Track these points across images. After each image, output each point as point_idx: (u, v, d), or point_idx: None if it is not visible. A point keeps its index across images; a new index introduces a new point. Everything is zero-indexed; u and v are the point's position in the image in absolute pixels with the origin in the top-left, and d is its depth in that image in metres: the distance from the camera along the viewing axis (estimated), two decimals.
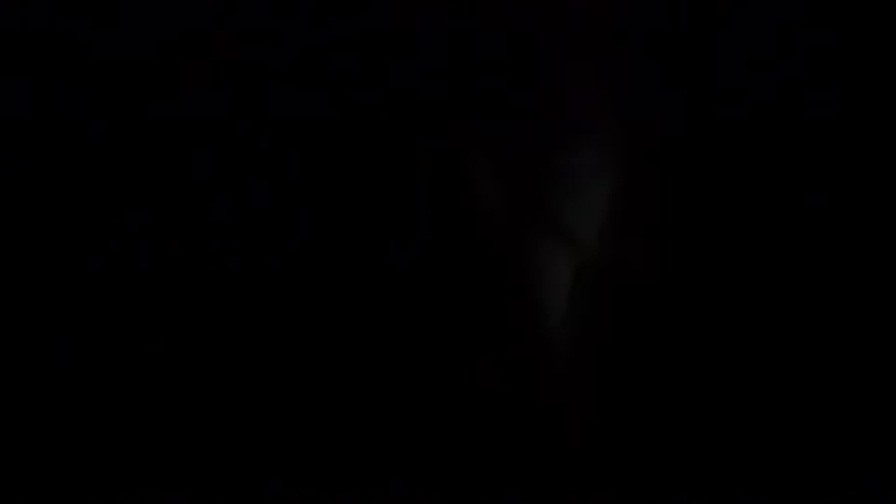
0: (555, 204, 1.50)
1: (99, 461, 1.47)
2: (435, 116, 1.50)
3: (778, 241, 1.52)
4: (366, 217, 1.49)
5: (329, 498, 1.45)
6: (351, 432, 1.46)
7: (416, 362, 1.47)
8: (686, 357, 1.49)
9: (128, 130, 1.51)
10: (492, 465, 1.46)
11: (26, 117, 1.51)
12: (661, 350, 1.49)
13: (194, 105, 1.50)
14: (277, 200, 1.49)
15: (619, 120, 1.51)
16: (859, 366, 1.49)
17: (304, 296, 1.48)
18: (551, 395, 1.48)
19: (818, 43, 1.52)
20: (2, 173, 1.50)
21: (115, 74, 1.50)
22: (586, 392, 1.49)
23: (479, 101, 1.50)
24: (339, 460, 1.46)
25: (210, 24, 1.51)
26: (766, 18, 1.52)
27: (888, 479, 1.48)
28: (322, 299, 1.48)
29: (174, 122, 1.51)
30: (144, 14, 1.51)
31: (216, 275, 1.48)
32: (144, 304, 1.48)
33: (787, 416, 1.49)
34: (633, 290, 1.49)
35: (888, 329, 1.50)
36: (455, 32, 1.50)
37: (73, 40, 1.50)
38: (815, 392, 1.49)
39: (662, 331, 1.49)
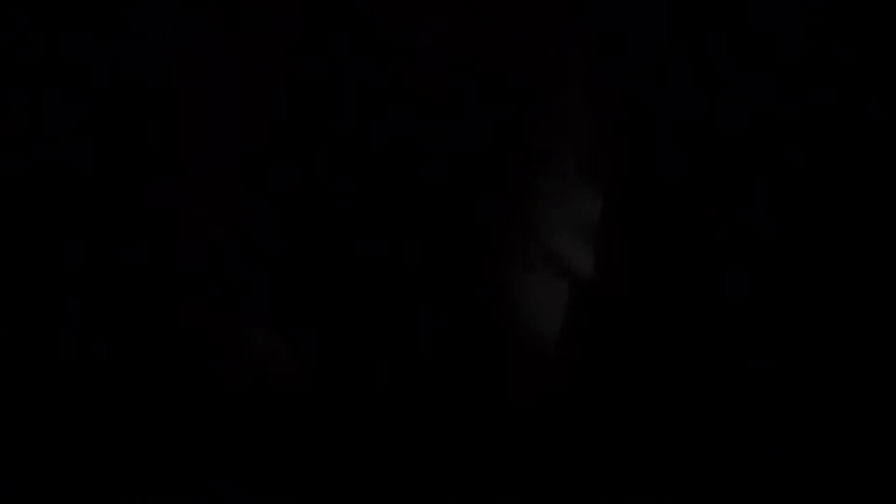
0: (548, 222, 1.49)
1: (99, 461, 1.47)
2: (420, 128, 1.50)
3: (774, 260, 1.52)
4: (354, 235, 1.49)
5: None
6: (339, 454, 1.46)
7: (405, 384, 1.46)
8: (680, 376, 1.49)
9: (128, 130, 1.51)
10: (482, 487, 1.46)
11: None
12: (656, 369, 1.49)
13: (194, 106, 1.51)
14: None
15: (614, 136, 1.51)
16: (851, 396, 1.49)
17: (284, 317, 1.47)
18: (545, 414, 1.48)
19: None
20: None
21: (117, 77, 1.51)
22: (580, 412, 1.49)
23: (466, 116, 1.50)
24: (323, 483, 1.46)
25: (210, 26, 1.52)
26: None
27: (886, 481, 1.48)
28: (303, 324, 1.47)
29: (174, 123, 1.51)
30: (145, 16, 1.52)
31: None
32: (144, 305, 1.49)
33: (779, 438, 1.49)
34: (629, 309, 1.49)
35: (882, 357, 1.50)
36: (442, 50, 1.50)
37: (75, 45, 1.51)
38: (809, 415, 1.49)
39: (658, 350, 1.49)
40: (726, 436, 1.49)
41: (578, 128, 1.50)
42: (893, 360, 1.50)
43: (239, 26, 1.51)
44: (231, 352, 1.47)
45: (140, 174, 1.50)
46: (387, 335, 1.45)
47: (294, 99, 1.49)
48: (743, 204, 1.52)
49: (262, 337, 1.46)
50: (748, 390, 1.49)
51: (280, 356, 1.46)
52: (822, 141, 1.53)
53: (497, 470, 1.45)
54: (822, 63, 1.53)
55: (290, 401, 1.46)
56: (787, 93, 1.53)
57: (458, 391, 1.45)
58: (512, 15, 1.49)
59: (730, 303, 1.50)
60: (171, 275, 1.47)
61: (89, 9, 1.52)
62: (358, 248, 1.46)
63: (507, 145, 1.49)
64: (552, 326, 1.48)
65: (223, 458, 1.46)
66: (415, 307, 1.45)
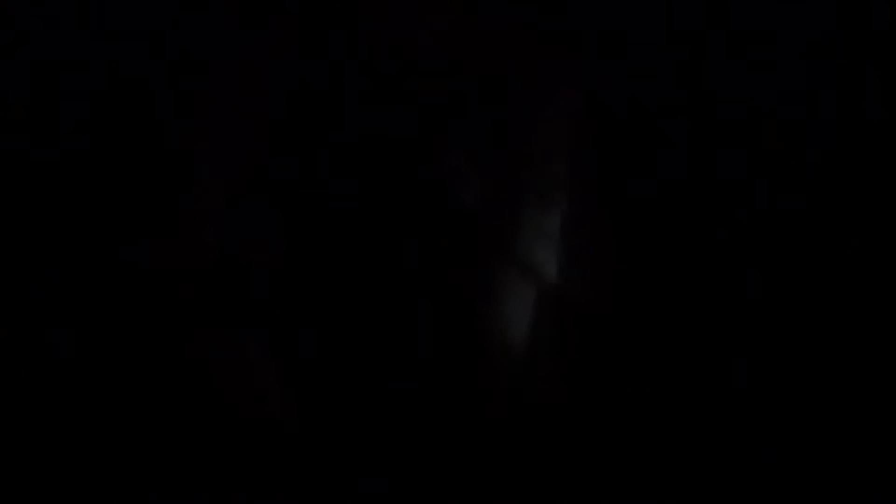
0: (519, 234, 1.50)
1: (98, 461, 1.48)
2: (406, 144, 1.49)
3: (749, 264, 1.52)
4: (339, 247, 1.49)
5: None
6: (328, 459, 1.47)
7: (379, 395, 1.47)
8: (650, 379, 1.50)
9: (126, 131, 1.52)
10: (460, 488, 1.46)
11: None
12: (626, 372, 1.50)
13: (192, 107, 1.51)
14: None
15: (585, 153, 1.51)
16: (836, 411, 1.50)
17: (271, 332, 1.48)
18: (517, 423, 1.48)
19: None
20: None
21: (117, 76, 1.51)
22: (553, 415, 1.49)
23: (448, 130, 1.50)
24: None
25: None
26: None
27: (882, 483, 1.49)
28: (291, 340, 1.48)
29: (174, 123, 1.51)
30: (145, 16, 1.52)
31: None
32: (142, 308, 1.49)
33: (755, 440, 1.49)
34: (597, 318, 1.50)
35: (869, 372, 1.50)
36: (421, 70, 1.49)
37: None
38: (787, 423, 1.50)
39: (627, 354, 1.50)
40: (698, 437, 1.50)
41: (552, 139, 1.51)
42: (883, 359, 1.51)
43: (238, 26, 1.51)
44: (229, 363, 1.47)
45: (140, 176, 1.51)
46: (365, 343, 1.46)
47: (294, 99, 1.50)
48: (713, 212, 1.53)
49: (245, 345, 1.47)
50: (721, 392, 1.50)
51: (264, 364, 1.47)
52: (804, 143, 1.54)
53: (472, 470, 1.46)
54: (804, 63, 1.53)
55: (279, 406, 1.47)
56: (766, 99, 1.53)
57: (433, 396, 1.46)
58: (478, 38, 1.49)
59: (699, 307, 1.51)
60: (171, 280, 1.48)
61: (89, 9, 1.52)
62: (330, 257, 1.47)
63: (481, 155, 1.49)
64: (523, 331, 1.49)
65: (221, 464, 1.46)
66: (393, 315, 1.46)
